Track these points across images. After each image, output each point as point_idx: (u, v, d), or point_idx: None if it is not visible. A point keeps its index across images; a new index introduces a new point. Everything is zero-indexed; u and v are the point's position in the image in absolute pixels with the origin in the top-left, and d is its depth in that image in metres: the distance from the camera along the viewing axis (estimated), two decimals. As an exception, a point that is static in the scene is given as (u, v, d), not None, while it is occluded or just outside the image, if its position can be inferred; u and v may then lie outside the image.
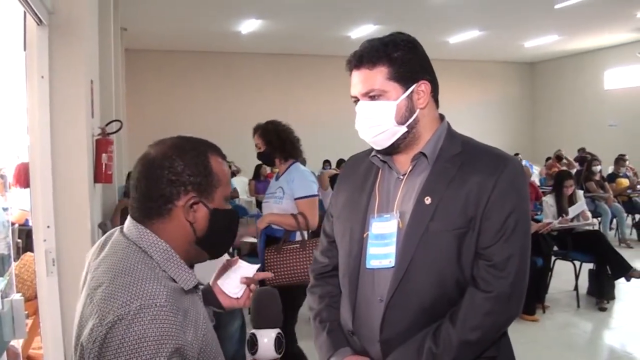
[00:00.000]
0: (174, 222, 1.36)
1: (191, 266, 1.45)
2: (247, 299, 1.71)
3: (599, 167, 10.23)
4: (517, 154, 13.41)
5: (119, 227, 1.44)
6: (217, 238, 1.44)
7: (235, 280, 1.69)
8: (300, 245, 3.67)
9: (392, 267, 1.63)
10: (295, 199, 3.73)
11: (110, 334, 1.17)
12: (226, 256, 3.18)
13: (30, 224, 3.56)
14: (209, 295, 1.68)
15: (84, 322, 1.25)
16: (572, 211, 6.39)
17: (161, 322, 1.18)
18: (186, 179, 1.35)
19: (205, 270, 1.78)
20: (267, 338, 1.52)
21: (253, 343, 1.52)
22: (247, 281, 1.69)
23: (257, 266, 1.73)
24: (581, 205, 6.54)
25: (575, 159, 12.88)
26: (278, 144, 3.88)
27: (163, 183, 1.34)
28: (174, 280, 1.33)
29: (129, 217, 1.41)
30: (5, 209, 2.89)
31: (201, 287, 1.47)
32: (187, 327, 1.26)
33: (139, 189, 1.37)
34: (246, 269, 1.71)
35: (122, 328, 1.16)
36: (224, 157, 1.47)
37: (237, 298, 1.70)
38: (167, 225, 1.36)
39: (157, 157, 1.36)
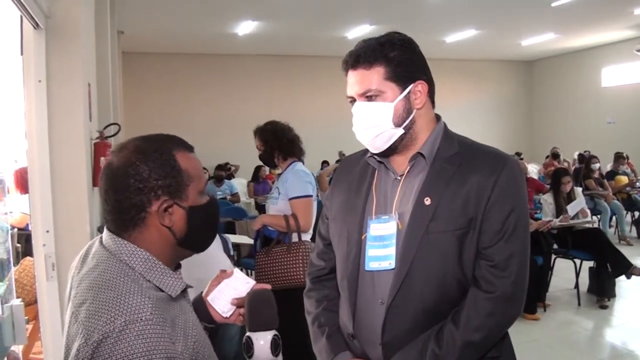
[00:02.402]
0: (150, 229, 1.31)
1: (178, 266, 1.42)
2: (238, 318, 1.65)
3: (597, 165, 10.23)
4: (518, 154, 13.43)
5: (98, 237, 1.39)
6: (199, 235, 1.40)
7: (226, 299, 1.63)
8: (287, 248, 3.63)
9: (393, 268, 1.62)
10: (289, 199, 3.70)
11: (96, 353, 1.13)
12: (219, 265, 3.16)
13: (30, 228, 3.56)
14: (201, 309, 1.63)
15: (70, 342, 1.21)
16: (571, 209, 6.40)
17: (148, 336, 1.14)
18: (154, 183, 1.29)
19: (194, 272, 1.75)
20: (262, 340, 1.49)
21: (249, 346, 1.50)
22: (238, 302, 1.62)
23: (252, 283, 1.65)
24: (580, 202, 6.54)
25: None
26: (276, 144, 3.86)
27: (131, 192, 1.28)
28: (160, 289, 1.29)
29: (105, 229, 1.36)
30: (4, 214, 2.88)
31: (190, 288, 1.44)
32: (177, 338, 1.22)
33: (108, 202, 1.31)
34: (240, 283, 1.64)
35: (108, 347, 1.13)
36: (190, 149, 1.39)
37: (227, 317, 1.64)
38: (144, 234, 1.31)
39: (120, 166, 1.29)
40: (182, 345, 1.23)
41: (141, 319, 1.16)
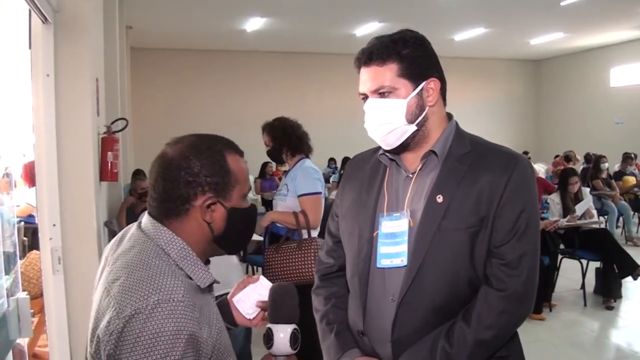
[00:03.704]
0: (191, 221, 1.36)
1: (207, 261, 1.46)
2: (260, 321, 1.71)
3: (606, 165, 10.19)
4: (526, 153, 13.40)
5: (136, 223, 1.44)
6: (235, 236, 1.45)
7: (251, 301, 1.69)
8: (297, 245, 3.63)
9: (404, 266, 1.62)
10: (298, 196, 3.70)
11: (127, 327, 1.18)
12: (226, 261, 3.16)
13: (35, 220, 3.56)
14: (225, 310, 1.68)
15: (100, 315, 1.26)
16: (579, 209, 6.36)
17: (178, 317, 1.19)
18: (203, 179, 1.34)
19: (220, 271, 1.77)
20: (283, 333, 1.52)
21: (269, 337, 1.53)
22: (263, 305, 1.68)
23: None
24: (588, 202, 6.50)
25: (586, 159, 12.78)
26: (284, 140, 3.86)
27: (180, 184, 1.34)
28: (190, 278, 1.34)
29: (146, 214, 1.42)
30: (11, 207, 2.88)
31: (216, 284, 1.47)
32: (203, 324, 1.27)
33: (157, 189, 1.37)
34: (264, 288, 1.69)
35: (140, 322, 1.18)
36: (241, 153, 1.46)
37: (251, 319, 1.71)
38: (184, 224, 1.36)
39: (175, 157, 1.36)
40: (207, 332, 1.28)
41: (173, 299, 1.21)
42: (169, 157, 1.36)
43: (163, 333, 1.17)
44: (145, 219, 1.41)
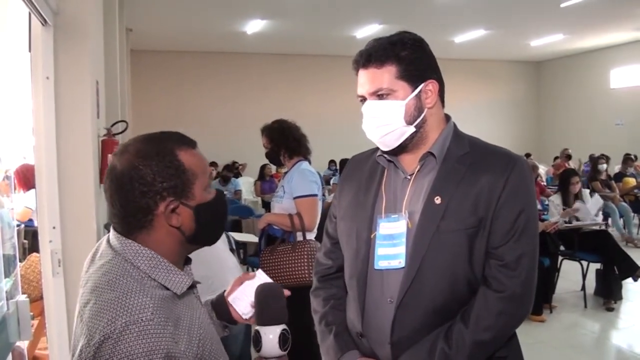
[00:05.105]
0: (158, 230, 1.31)
1: (188, 260, 1.42)
2: None
3: (604, 166, 10.18)
4: (528, 155, 13.39)
5: (106, 236, 1.39)
6: (208, 231, 1.40)
7: (247, 300, 1.64)
8: (292, 247, 3.64)
9: (402, 267, 1.62)
10: (294, 198, 3.71)
11: (98, 354, 1.14)
12: (224, 262, 3.16)
13: (35, 224, 3.56)
14: (222, 308, 1.65)
15: (76, 342, 1.22)
16: (588, 208, 6.33)
17: (149, 337, 1.14)
18: (159, 186, 1.28)
19: (198, 269, 1.74)
20: (271, 334, 1.50)
21: (257, 340, 1.50)
22: None
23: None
24: (586, 206, 6.46)
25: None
26: (282, 142, 3.88)
27: (136, 196, 1.27)
28: (166, 287, 1.29)
29: (112, 229, 1.36)
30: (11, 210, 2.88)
31: (198, 284, 1.44)
32: (180, 337, 1.23)
33: (115, 205, 1.30)
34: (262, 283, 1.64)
35: (109, 347, 1.13)
36: (193, 144, 1.38)
37: (248, 319, 1.65)
38: (152, 235, 1.31)
39: (124, 170, 1.28)
40: (185, 344, 1.24)
41: (142, 320, 1.16)
42: (118, 170, 1.29)
43: (134, 356, 1.12)
44: (111, 234, 1.35)
